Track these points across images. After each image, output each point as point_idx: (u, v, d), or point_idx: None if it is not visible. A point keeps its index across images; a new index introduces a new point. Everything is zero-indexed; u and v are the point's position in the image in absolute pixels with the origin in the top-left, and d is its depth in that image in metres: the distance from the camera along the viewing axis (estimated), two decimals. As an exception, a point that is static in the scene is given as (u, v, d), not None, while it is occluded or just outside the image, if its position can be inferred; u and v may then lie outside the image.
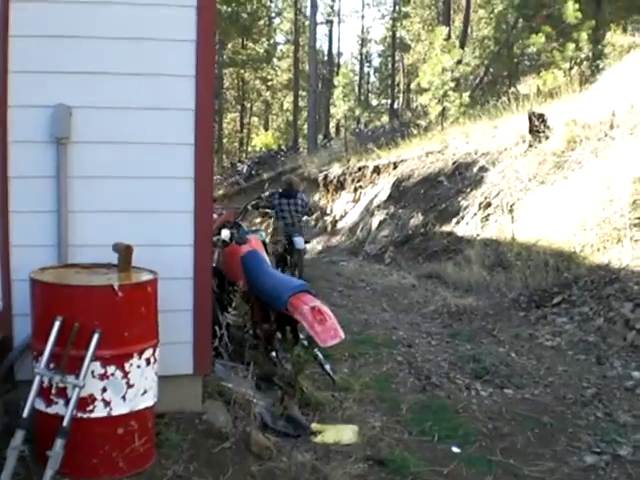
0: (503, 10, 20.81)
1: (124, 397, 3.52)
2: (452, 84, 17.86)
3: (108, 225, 4.11)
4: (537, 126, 11.60)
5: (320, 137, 34.62)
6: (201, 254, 4.26)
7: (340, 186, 20.82)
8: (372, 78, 50.34)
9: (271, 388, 5.10)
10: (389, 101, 40.22)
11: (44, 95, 3.87)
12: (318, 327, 4.75)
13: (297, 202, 9.96)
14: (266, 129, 51.14)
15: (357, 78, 49.13)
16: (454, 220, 12.50)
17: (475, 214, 11.92)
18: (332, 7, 47.44)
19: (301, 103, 41.00)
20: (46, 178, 3.91)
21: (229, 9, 35.13)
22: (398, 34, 37.66)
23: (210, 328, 4.44)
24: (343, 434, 4.48)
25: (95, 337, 3.29)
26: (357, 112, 24.79)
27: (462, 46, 21.64)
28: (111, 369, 3.46)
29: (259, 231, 6.90)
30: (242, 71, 49.25)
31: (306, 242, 10.26)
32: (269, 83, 51.69)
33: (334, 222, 20.14)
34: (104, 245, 3.86)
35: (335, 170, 21.13)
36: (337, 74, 34.55)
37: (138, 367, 3.57)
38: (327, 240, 18.79)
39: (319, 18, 48.00)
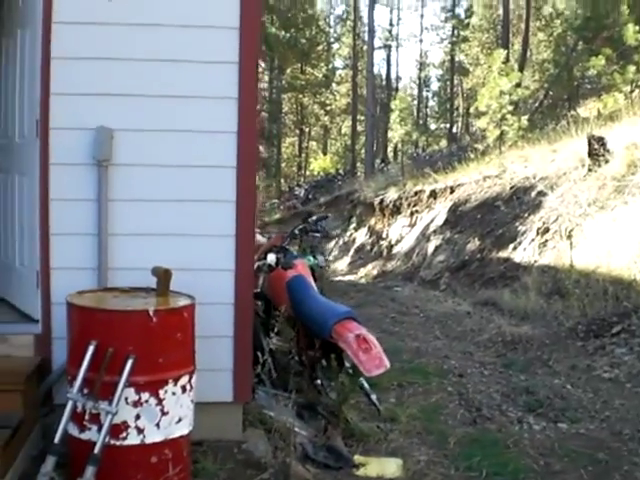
0: (562, 33, 20.46)
1: (158, 425, 3.45)
2: (510, 107, 17.59)
3: (148, 248, 4.08)
4: (597, 150, 11.25)
5: (378, 161, 34.60)
6: (242, 280, 4.19)
7: (396, 210, 20.61)
8: (431, 102, 50.08)
9: (315, 417, 4.99)
10: (448, 125, 39.91)
11: (86, 117, 3.89)
12: (363, 356, 4.61)
13: None
14: (324, 153, 51.34)
15: (416, 102, 49.10)
16: (511, 246, 12.18)
17: (533, 240, 11.59)
18: (390, 32, 47.56)
19: (359, 127, 41.06)
20: (87, 201, 3.92)
21: (287, 34, 35.55)
22: (457, 58, 37.42)
23: (251, 355, 4.35)
24: (387, 467, 4.33)
25: (129, 363, 3.24)
26: (414, 136, 24.59)
27: (521, 69, 21.33)
28: (145, 396, 3.40)
29: (308, 255, 6.81)
30: (301, 96, 49.72)
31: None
32: (327, 108, 52.01)
33: (390, 247, 19.92)
34: (144, 269, 3.82)
35: (391, 194, 20.95)
36: (395, 98, 34.51)
37: (173, 394, 3.51)
38: (382, 265, 18.59)
39: (377, 43, 48.35)
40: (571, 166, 12.41)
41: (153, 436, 3.45)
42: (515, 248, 12.00)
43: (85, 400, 3.22)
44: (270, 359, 5.38)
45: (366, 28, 34.22)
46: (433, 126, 44.55)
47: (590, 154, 11.46)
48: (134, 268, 3.96)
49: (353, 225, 23.53)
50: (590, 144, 11.44)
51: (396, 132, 24.04)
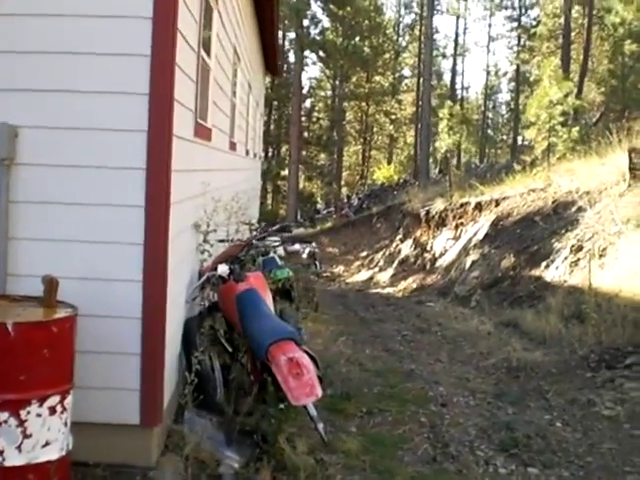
0: (620, 41, 19.34)
1: (19, 448, 3.11)
2: (561, 118, 16.71)
3: (51, 254, 3.76)
4: (637, 164, 10.43)
5: (435, 171, 33.87)
6: (152, 293, 3.80)
7: (442, 222, 19.95)
8: (493, 113, 48.93)
9: (251, 445, 4.53)
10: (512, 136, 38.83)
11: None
12: (292, 382, 4.16)
13: None
14: (389, 162, 50.75)
15: (482, 111, 48.05)
16: (544, 264, 11.44)
17: (566, 258, 10.83)
18: (456, 41, 46.65)
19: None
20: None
21: (347, 42, 35.16)
22: (522, 68, 36.32)
23: (162, 375, 3.96)
24: (306, 509, 3.86)
25: (-21, 379, 2.90)
26: (464, 145, 23.79)
27: (581, 80, 20.34)
28: (3, 415, 3.07)
29: (284, 268, 6.40)
30: (364, 104, 49.30)
31: None
32: (393, 117, 51.44)
33: (433, 260, 19.29)
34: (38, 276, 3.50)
35: (438, 205, 20.31)
36: (462, 108, 33.63)
37: (38, 415, 3.16)
38: (423, 279, 17.98)
39: (448, 51, 47.55)
40: (612, 181, 11.60)
41: (13, 460, 3.11)
42: (548, 266, 11.26)
43: None
44: (219, 377, 4.98)
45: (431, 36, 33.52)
46: (498, 137, 43.37)
47: (631, 168, 10.64)
48: (35, 275, 3.62)
49: (399, 236, 22.95)
50: (630, 157, 10.63)
51: (444, 141, 23.26)
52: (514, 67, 38.60)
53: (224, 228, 6.93)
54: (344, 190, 48.91)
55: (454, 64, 49.69)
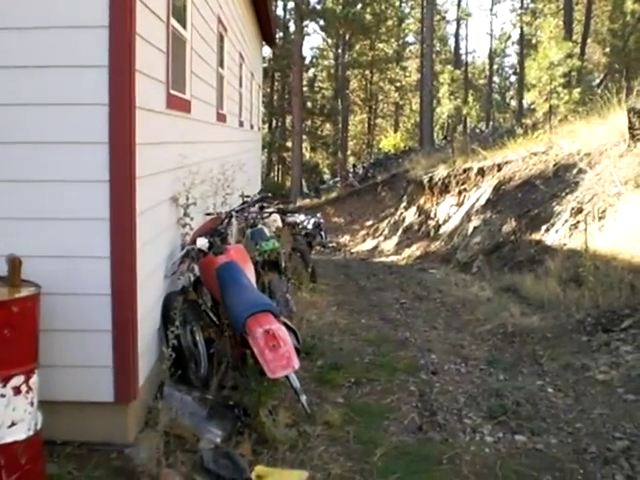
0: (622, 1, 18.90)
1: (-17, 429, 3.06)
2: (562, 80, 16.39)
3: (15, 233, 3.68)
4: (634, 124, 10.20)
5: (440, 138, 33.54)
6: (121, 269, 3.73)
7: (445, 189, 19.75)
8: (496, 77, 48.31)
9: (232, 419, 4.49)
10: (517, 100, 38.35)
11: None
12: (269, 354, 4.11)
13: None
14: (395, 131, 50.25)
15: (487, 76, 47.43)
16: (544, 227, 11.29)
17: (566, 221, 10.68)
18: (459, 4, 45.91)
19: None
20: None
21: (352, 10, 34.54)
22: (526, 31, 35.74)
23: (136, 351, 3.90)
24: (285, 482, 3.81)
25: None
26: (464, 111, 23.45)
27: (583, 41, 19.96)
28: (-36, 398, 3.01)
29: (270, 239, 6.31)
30: (368, 72, 48.76)
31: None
32: (397, 84, 50.84)
33: (437, 227, 19.14)
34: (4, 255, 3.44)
35: (440, 172, 20.08)
36: (466, 73, 33.09)
37: (2, 396, 3.11)
38: (427, 246, 17.87)
39: (450, 16, 46.84)
40: (612, 142, 11.39)
41: (-25, 441, 3.07)
42: (548, 230, 11.11)
43: None
44: (202, 352, 4.93)
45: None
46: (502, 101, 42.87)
47: (630, 128, 10.43)
48: (1, 255, 3.55)
49: (403, 204, 22.78)
50: (629, 118, 10.41)
51: (445, 107, 22.90)
52: (518, 30, 37.99)
53: (212, 201, 6.85)
54: (351, 160, 48.54)
55: (457, 28, 48.93)
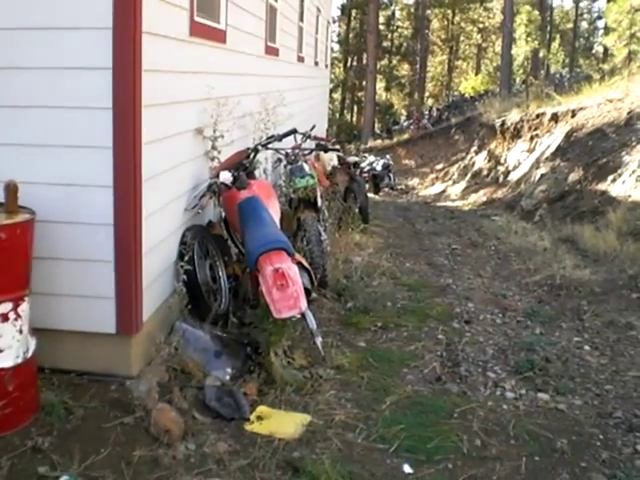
0: None
1: (-32, 356, 3.06)
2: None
3: (16, 160, 3.62)
4: None
5: (520, 82, 32.17)
6: (124, 198, 3.63)
7: (517, 134, 19.01)
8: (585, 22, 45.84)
9: (244, 357, 4.40)
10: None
11: None
12: (276, 294, 3.98)
13: None
14: (477, 73, 48.69)
15: (573, 20, 45.16)
16: (610, 177, 10.70)
17: (633, 172, 10.08)
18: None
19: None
20: None
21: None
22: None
23: (141, 283, 3.82)
24: (284, 425, 3.71)
25: None
26: (541, 54, 22.29)
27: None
28: (-49, 323, 2.99)
29: (305, 176, 6.12)
30: (449, 12, 47.14)
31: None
32: (480, 25, 49.03)
33: (506, 173, 18.52)
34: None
35: (513, 116, 19.32)
36: (551, 15, 31.46)
37: (-11, 323, 3.07)
38: (493, 192, 17.36)
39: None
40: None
41: (-37, 366, 3.07)
42: (614, 180, 10.53)
43: None
44: (224, 287, 4.84)
45: None
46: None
47: None
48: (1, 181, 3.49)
49: (474, 148, 22.10)
50: None
51: (520, 49, 21.80)
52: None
53: (251, 136, 6.68)
54: (429, 102, 47.41)
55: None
